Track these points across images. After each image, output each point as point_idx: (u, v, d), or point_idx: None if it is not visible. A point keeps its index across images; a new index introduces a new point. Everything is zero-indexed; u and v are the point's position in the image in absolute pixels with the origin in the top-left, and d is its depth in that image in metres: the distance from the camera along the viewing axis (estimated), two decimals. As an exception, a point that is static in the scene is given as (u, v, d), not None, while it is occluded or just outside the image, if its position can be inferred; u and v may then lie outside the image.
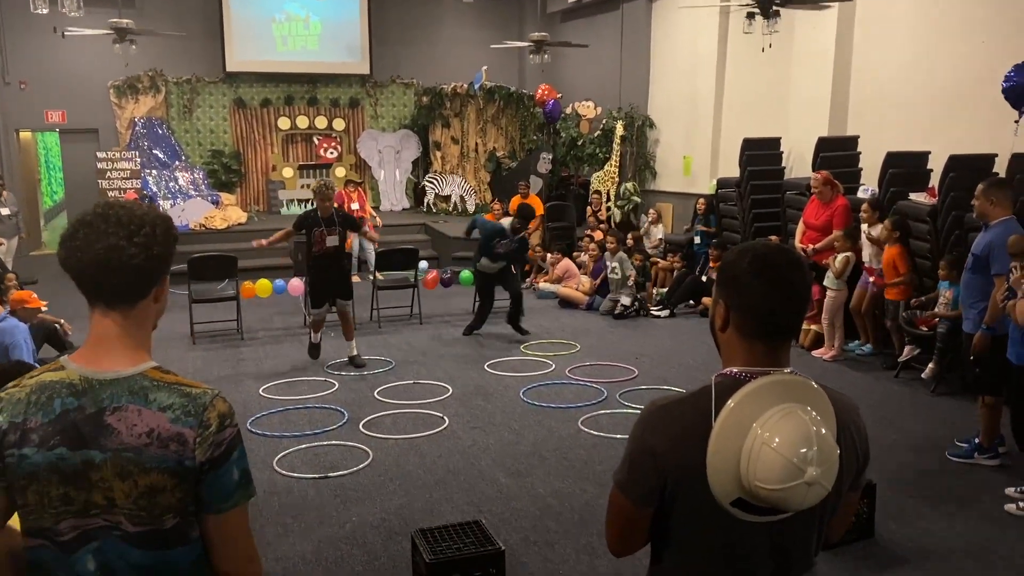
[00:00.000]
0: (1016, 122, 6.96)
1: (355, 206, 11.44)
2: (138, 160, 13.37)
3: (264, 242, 7.72)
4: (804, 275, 1.65)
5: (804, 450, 1.48)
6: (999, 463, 5.27)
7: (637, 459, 1.69)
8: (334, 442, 5.80)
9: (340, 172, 15.58)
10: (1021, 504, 4.64)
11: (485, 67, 15.24)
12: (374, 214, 12.22)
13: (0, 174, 12.44)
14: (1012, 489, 4.82)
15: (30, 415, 1.58)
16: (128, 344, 1.64)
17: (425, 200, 15.58)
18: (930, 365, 6.88)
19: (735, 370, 1.67)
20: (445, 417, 6.24)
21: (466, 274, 10.46)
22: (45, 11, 10.03)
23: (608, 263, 9.97)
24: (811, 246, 8.33)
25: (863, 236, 7.80)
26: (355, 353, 7.66)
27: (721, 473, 1.54)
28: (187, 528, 1.62)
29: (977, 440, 5.35)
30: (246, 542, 1.69)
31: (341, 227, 7.48)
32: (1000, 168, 7.20)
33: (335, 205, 11.26)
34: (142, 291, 1.65)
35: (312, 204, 11.89)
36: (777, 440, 1.49)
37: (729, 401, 1.56)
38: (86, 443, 1.56)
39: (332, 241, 7.35)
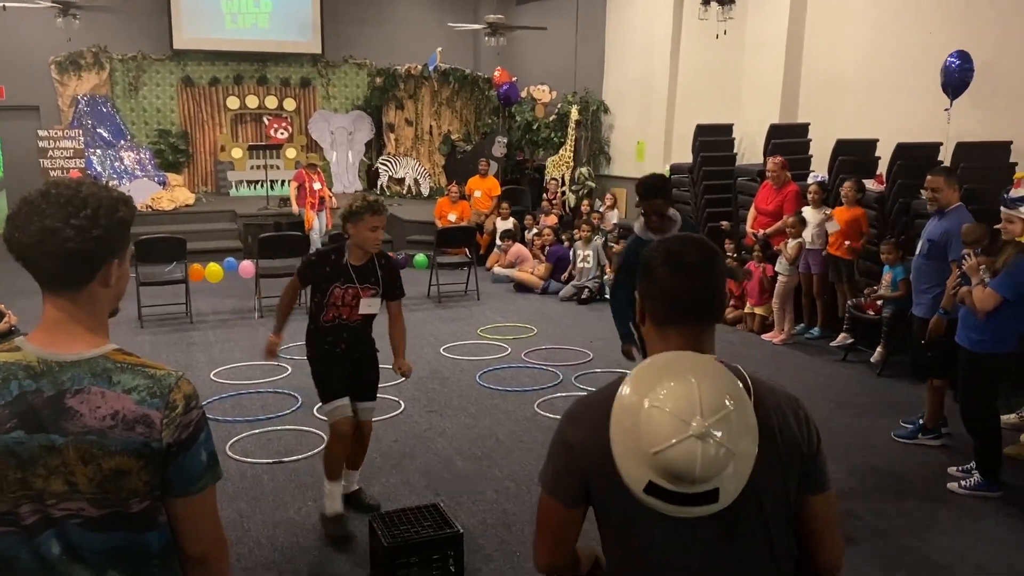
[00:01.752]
0: (947, 110, 7.17)
1: (317, 186, 11.31)
2: (81, 139, 12.99)
3: (275, 337, 4.57)
4: (708, 259, 1.66)
5: (689, 406, 1.45)
6: (942, 443, 5.43)
7: (556, 455, 1.69)
8: (288, 427, 5.74)
9: (291, 153, 15.34)
10: (963, 483, 4.79)
11: (440, 48, 15.11)
12: (331, 194, 12.04)
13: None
14: (954, 468, 4.98)
15: None
16: (82, 328, 1.58)
17: (379, 182, 15.43)
18: (878, 348, 7.05)
19: None
20: (401, 401, 6.21)
21: (420, 258, 10.40)
22: (-18, -18, 9.66)
23: (580, 251, 10.01)
24: (762, 231, 8.47)
25: (802, 217, 7.93)
26: (357, 487, 4.62)
27: (624, 454, 1.50)
28: (154, 512, 1.60)
29: (921, 421, 5.51)
30: (214, 524, 1.68)
31: (386, 285, 4.36)
32: (945, 156, 7.38)
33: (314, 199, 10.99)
34: (83, 276, 1.56)
35: (314, 236, 11.29)
36: (662, 397, 1.48)
37: (629, 372, 1.58)
38: (45, 427, 1.52)
39: (368, 307, 4.34)
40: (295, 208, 11.48)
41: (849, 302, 7.45)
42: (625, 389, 1.54)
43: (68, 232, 1.51)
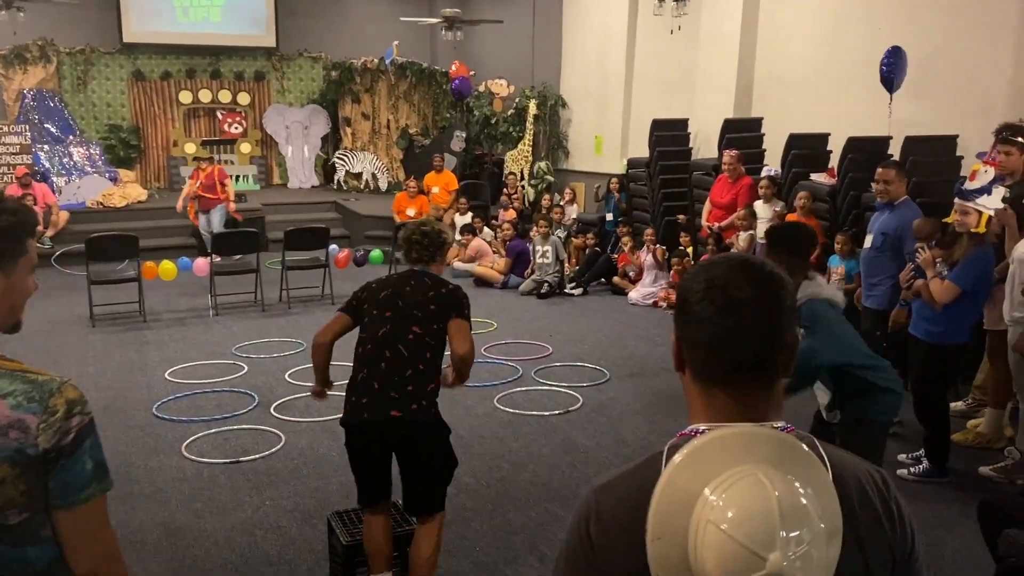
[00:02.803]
0: (889, 104, 7.33)
1: (197, 185, 11.04)
2: (28, 134, 12.64)
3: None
4: (767, 292, 1.23)
5: (763, 529, 1.07)
6: (893, 431, 5.54)
7: (572, 560, 1.30)
8: (245, 426, 5.67)
9: (246, 148, 15.13)
10: (912, 469, 4.91)
11: (396, 42, 15.00)
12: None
13: None
14: (904, 455, 5.10)
15: None
16: None
17: (335, 177, 15.29)
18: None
19: (696, 427, 1.26)
20: (359, 398, 6.17)
21: (376, 253, 10.33)
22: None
23: (539, 247, 10.03)
24: (717, 224, 8.58)
25: (756, 209, 8.04)
26: None
27: (667, 568, 1.14)
28: (36, 525, 1.49)
29: (872, 410, 5.62)
30: (105, 539, 1.56)
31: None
32: (895, 150, 7.53)
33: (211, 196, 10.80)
34: None
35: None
36: (729, 515, 1.08)
37: (668, 465, 1.17)
38: None
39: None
40: (179, 206, 11.30)
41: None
42: (677, 459, 1.16)
43: None
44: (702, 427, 1.25)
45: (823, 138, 8.49)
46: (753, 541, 1.06)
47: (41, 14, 12.93)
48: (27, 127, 12.81)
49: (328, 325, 3.61)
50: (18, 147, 12.38)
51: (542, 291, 9.74)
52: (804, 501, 1.10)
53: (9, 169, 12.01)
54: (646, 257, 9.52)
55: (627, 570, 1.21)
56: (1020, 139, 5.59)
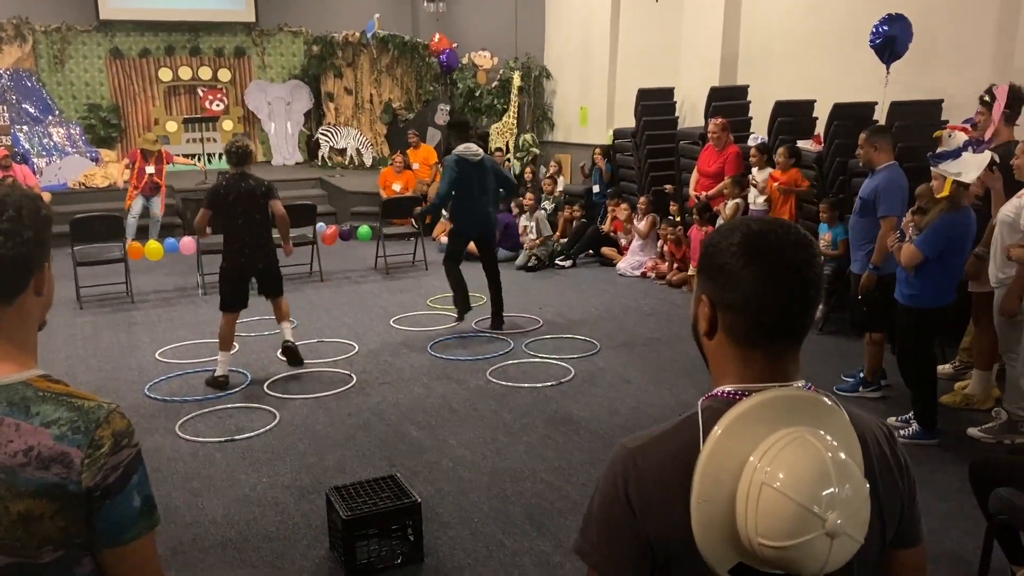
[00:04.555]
0: (887, 74, 7.30)
1: (150, 170, 10.59)
2: (6, 115, 12.48)
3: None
4: (813, 257, 1.26)
5: (821, 489, 1.09)
6: (881, 395, 5.62)
7: (610, 522, 1.28)
8: (238, 404, 5.68)
9: (228, 125, 14.96)
10: (902, 432, 4.97)
11: (377, 15, 14.84)
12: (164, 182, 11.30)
13: None
14: (894, 419, 5.16)
15: None
16: (9, 347, 1.40)
17: (320, 153, 15.17)
18: (819, 306, 7.22)
19: (728, 389, 1.28)
20: (352, 375, 6.19)
21: (364, 230, 10.29)
22: None
23: (525, 221, 10.01)
24: (704, 193, 8.59)
25: (750, 180, 8.05)
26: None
27: (711, 530, 1.15)
28: (70, 563, 1.38)
29: (862, 374, 5.70)
30: (151, 574, 1.47)
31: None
32: (880, 115, 7.54)
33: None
34: (18, 284, 1.40)
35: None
36: (782, 476, 1.10)
37: (716, 427, 1.17)
38: None
39: None
40: (119, 181, 10.70)
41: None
42: (719, 430, 1.17)
43: None
44: (729, 388, 1.27)
45: (809, 105, 8.48)
46: (812, 501, 1.08)
47: (15, -8, 12.69)
48: (5, 108, 12.63)
49: (200, 217, 6.03)
50: (-4, 128, 12.21)
51: (529, 264, 9.74)
52: (844, 456, 1.13)
53: (-12, 151, 11.84)
54: (640, 223, 9.51)
55: (667, 532, 1.22)
56: (987, 98, 5.63)
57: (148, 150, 10.67)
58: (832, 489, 1.09)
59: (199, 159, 13.26)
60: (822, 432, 1.16)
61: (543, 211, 10.09)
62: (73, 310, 8.11)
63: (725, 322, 1.28)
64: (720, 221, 8.08)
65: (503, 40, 14.31)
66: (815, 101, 8.44)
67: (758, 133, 8.89)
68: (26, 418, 1.35)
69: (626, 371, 6.26)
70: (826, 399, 1.22)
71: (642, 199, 9.71)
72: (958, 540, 3.84)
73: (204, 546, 3.92)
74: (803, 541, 1.08)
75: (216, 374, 5.98)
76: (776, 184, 7.59)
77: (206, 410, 5.57)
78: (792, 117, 8.30)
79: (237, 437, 5.12)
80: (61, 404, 1.37)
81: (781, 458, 1.11)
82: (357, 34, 14.93)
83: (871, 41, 7.35)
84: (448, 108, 14.16)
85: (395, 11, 15.57)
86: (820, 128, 8.12)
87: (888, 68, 7.30)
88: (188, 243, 9.15)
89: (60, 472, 1.33)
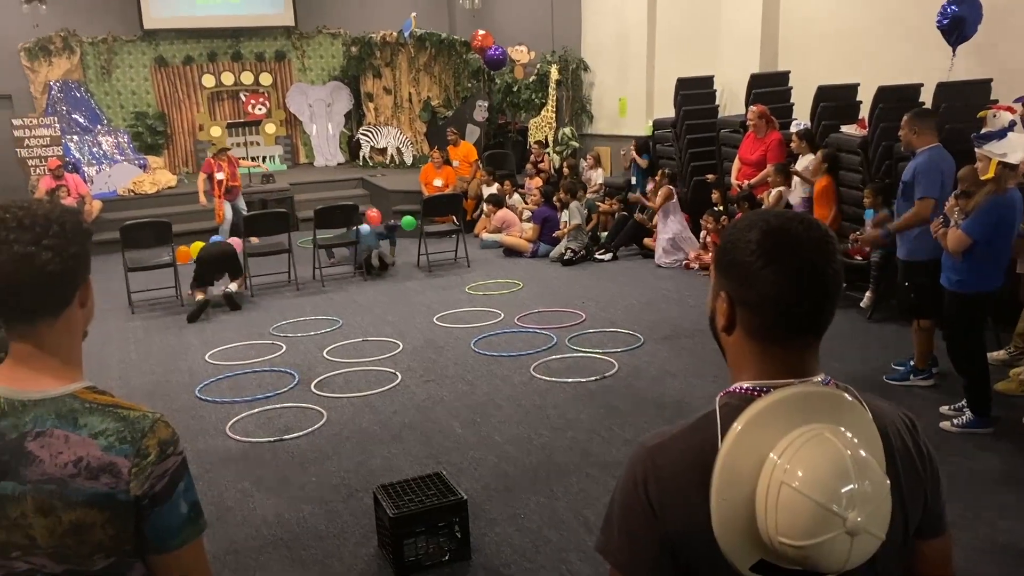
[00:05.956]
0: (952, 59, 7.10)
1: (220, 176, 10.82)
2: (57, 126, 12.80)
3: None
4: (832, 253, 1.25)
5: (840, 487, 1.09)
6: (933, 383, 5.51)
7: (631, 521, 1.28)
8: (287, 404, 5.77)
9: (270, 128, 15.20)
10: (955, 421, 4.87)
11: (414, 14, 14.91)
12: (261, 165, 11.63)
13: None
14: (946, 407, 5.05)
15: None
16: (55, 361, 1.43)
17: (360, 153, 15.31)
18: (867, 293, 7.11)
19: (745, 385, 1.27)
20: (397, 372, 6.24)
21: (408, 219, 10.38)
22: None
23: (562, 216, 10.02)
24: (746, 182, 8.48)
25: (791, 171, 7.94)
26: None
27: (731, 528, 1.15)
28: (122, 569, 1.42)
29: (912, 363, 5.58)
30: None
31: None
32: (927, 97, 7.37)
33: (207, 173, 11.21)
34: (65, 299, 1.43)
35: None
36: (801, 475, 1.10)
37: (735, 424, 1.17)
38: (4, 474, 1.37)
39: None
40: (202, 200, 10.93)
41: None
42: (738, 427, 1.17)
43: (45, 255, 1.37)
44: (747, 384, 1.27)
45: (852, 89, 8.32)
46: (831, 500, 1.08)
47: (62, 5, 13.02)
48: (55, 119, 12.96)
49: None
50: (48, 139, 12.55)
51: (565, 258, 9.72)
52: (863, 453, 1.13)
53: (41, 161, 12.18)
54: (656, 196, 9.42)
55: (687, 530, 1.22)
56: None
57: (224, 149, 11.15)
58: (852, 487, 1.09)
59: (262, 159, 13.57)
60: (842, 428, 1.15)
61: (576, 202, 10.03)
62: (126, 315, 8.30)
63: (743, 318, 1.27)
64: (770, 208, 7.97)
65: (539, 33, 14.27)
66: (858, 84, 8.27)
67: (800, 119, 8.75)
68: (74, 429, 1.38)
69: (671, 364, 6.22)
70: (846, 394, 1.21)
71: (659, 172, 9.68)
72: (1014, 532, 3.76)
73: (257, 545, 4.00)
74: (823, 540, 1.08)
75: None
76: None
77: (255, 410, 5.67)
78: (835, 102, 8.15)
79: (286, 437, 5.21)
80: (107, 415, 1.41)
81: (800, 456, 1.12)
82: (394, 34, 15.02)
83: (938, 22, 7.14)
84: (486, 104, 14.17)
85: (432, 9, 15.63)
86: (864, 112, 7.96)
87: (954, 50, 7.09)
88: (234, 242, 9.30)
89: (109, 482, 1.37)
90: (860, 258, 7.22)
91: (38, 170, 12.08)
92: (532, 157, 12.60)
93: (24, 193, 11.79)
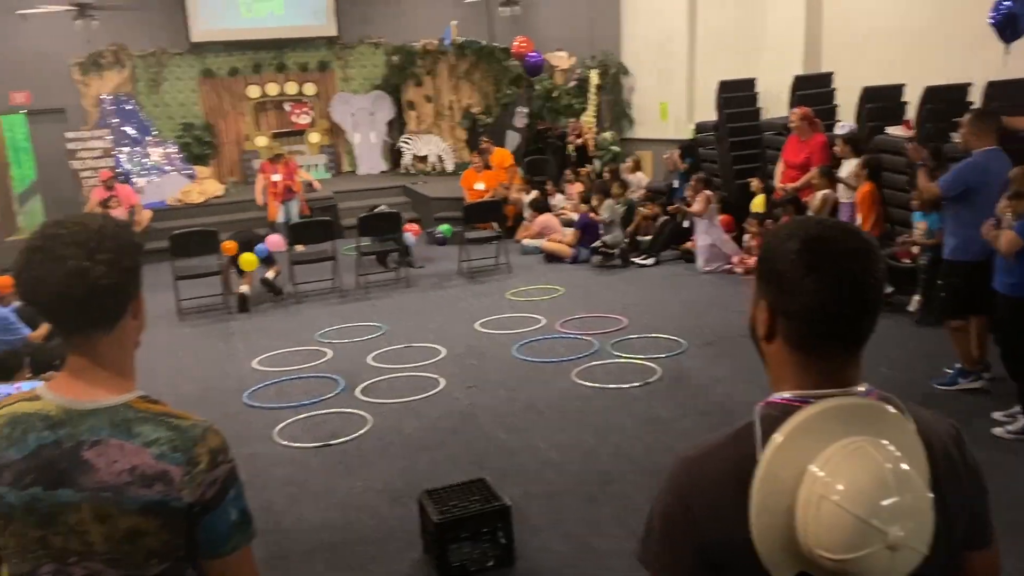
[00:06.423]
0: (1007, 53, 6.94)
1: (276, 177, 11.35)
2: (109, 138, 13.14)
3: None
4: (874, 263, 1.24)
5: (881, 501, 1.08)
6: (981, 386, 5.38)
7: (669, 531, 1.29)
8: (332, 410, 5.85)
9: (314, 138, 15.42)
10: (1008, 427, 4.76)
11: (454, 22, 15.02)
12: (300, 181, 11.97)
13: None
14: (999, 413, 4.94)
15: (3, 451, 1.43)
16: (110, 372, 1.48)
17: (402, 162, 15.45)
18: (915, 297, 6.98)
19: (786, 395, 1.26)
20: (440, 378, 6.29)
21: (445, 227, 10.44)
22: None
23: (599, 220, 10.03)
24: (791, 185, 8.39)
25: (836, 176, 7.83)
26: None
27: (771, 539, 1.15)
28: (175, 573, 1.47)
29: (959, 366, 5.47)
30: None
31: None
32: (975, 96, 7.22)
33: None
34: (119, 311, 1.47)
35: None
36: (841, 489, 1.09)
37: (776, 435, 1.17)
38: (62, 482, 1.41)
39: None
40: (259, 200, 11.51)
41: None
42: (779, 438, 1.16)
43: (99, 269, 1.40)
44: (787, 395, 1.26)
45: (898, 89, 8.19)
46: (872, 514, 1.07)
47: (112, 21, 13.33)
48: (107, 131, 13.31)
49: None
50: (100, 151, 12.90)
51: (599, 250, 9.69)
52: (905, 466, 1.12)
53: (94, 173, 12.51)
54: (695, 204, 9.32)
55: (727, 541, 1.22)
56: None
57: (280, 154, 11.75)
58: (893, 500, 1.08)
59: (308, 169, 13.94)
60: (884, 441, 1.14)
61: (609, 199, 10.01)
62: (175, 322, 8.49)
63: (783, 327, 1.26)
64: (809, 214, 7.87)
65: (579, 39, 14.27)
66: (904, 85, 8.14)
67: (845, 121, 8.63)
68: (128, 438, 1.42)
69: (715, 370, 6.18)
70: (889, 406, 1.20)
71: (694, 178, 9.56)
72: (1072, 541, 3.65)
73: (305, 550, 4.06)
74: (863, 554, 1.08)
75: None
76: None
77: (302, 416, 5.75)
78: (880, 103, 8.04)
79: (332, 442, 5.28)
80: (160, 424, 1.45)
81: (840, 470, 1.11)
82: (435, 42, 15.14)
83: (991, 19, 7.00)
84: (527, 111, 14.21)
85: (471, 18, 15.73)
86: (910, 113, 7.84)
87: (1008, 47, 6.94)
88: (276, 240, 9.44)
89: (162, 489, 1.41)
90: (908, 261, 7.09)
91: (90, 181, 12.40)
92: (571, 142, 12.54)
93: (77, 204, 12.13)
